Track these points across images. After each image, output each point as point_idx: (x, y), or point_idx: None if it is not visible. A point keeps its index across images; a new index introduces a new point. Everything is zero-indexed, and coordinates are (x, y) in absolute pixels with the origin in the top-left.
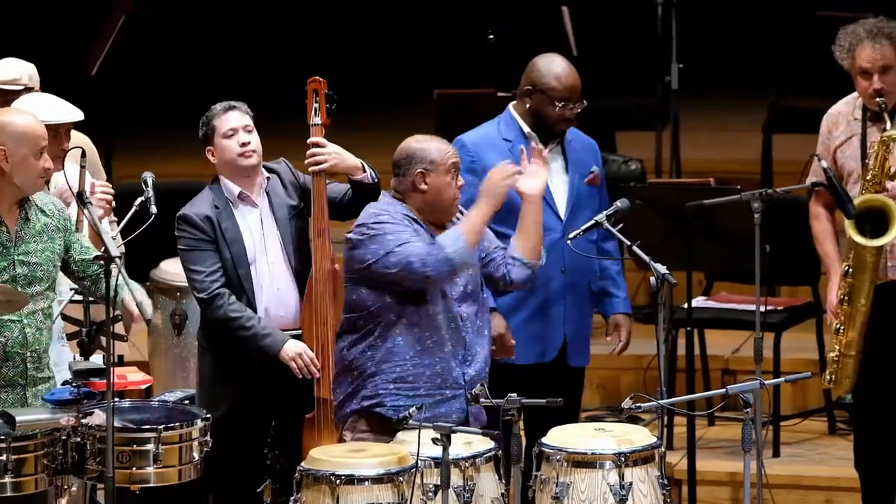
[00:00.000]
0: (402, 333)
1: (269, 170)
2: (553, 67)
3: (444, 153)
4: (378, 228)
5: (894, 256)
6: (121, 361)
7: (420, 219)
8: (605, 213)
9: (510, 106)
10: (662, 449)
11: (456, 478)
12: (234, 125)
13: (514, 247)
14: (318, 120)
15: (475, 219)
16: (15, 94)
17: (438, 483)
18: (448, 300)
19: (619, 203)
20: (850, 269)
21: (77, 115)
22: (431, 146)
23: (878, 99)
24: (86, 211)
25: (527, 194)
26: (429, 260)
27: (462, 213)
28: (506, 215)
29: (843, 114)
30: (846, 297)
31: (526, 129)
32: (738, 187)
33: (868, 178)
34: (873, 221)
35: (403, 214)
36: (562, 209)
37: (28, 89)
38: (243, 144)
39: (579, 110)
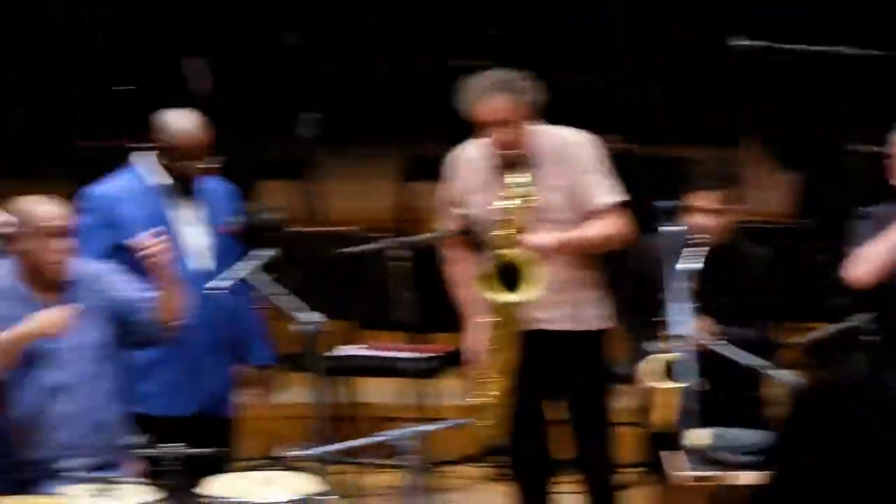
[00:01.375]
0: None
1: None
2: (176, 123)
3: (41, 215)
4: None
5: (539, 304)
6: None
7: (25, 282)
8: (247, 262)
9: (141, 156)
10: (333, 497)
11: None
12: None
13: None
14: None
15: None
16: None
17: None
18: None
19: (263, 252)
20: (496, 319)
21: None
22: (33, 207)
23: (507, 151)
24: None
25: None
26: None
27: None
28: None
29: (473, 159)
30: (495, 345)
31: (159, 180)
32: (382, 235)
33: (502, 231)
34: (510, 275)
35: None
36: (201, 261)
37: None
38: None
39: (212, 163)
